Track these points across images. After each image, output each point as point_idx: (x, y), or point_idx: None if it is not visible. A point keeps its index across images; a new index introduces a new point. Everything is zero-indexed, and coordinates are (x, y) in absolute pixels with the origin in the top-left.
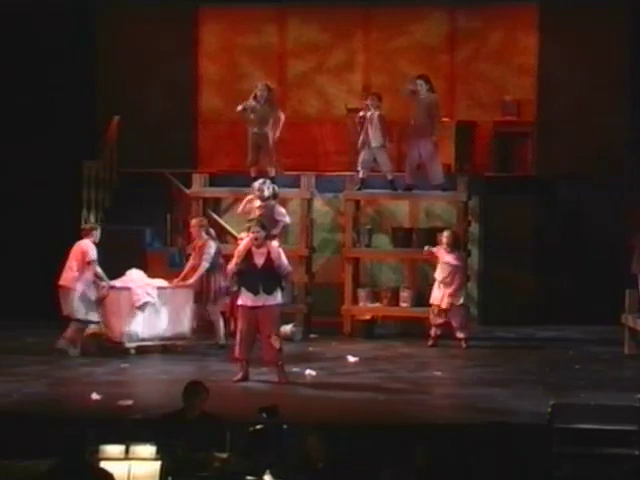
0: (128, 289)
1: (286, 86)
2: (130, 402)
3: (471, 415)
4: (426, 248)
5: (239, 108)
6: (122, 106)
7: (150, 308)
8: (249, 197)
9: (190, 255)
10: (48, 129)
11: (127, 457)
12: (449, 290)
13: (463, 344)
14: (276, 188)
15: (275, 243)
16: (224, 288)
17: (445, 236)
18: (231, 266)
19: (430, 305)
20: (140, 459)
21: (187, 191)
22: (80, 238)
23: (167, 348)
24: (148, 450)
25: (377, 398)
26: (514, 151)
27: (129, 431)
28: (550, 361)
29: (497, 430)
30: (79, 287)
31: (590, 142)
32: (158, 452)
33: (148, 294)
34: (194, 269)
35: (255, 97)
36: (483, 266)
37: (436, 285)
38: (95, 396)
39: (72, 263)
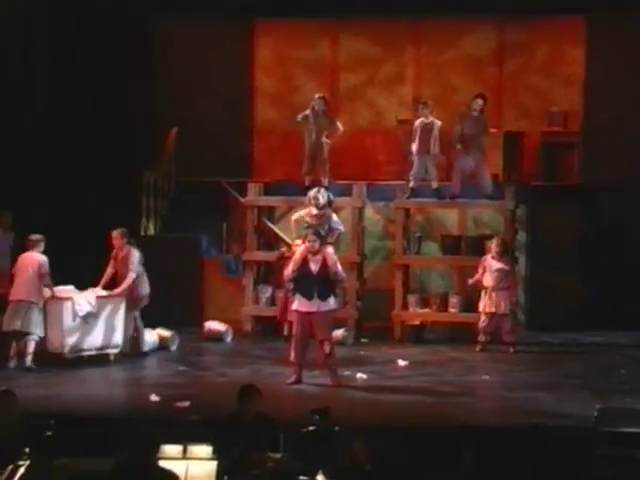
0: (70, 299)
1: (338, 98)
2: (187, 403)
3: (517, 418)
4: (470, 281)
5: (299, 118)
6: (180, 118)
7: (91, 318)
8: (305, 211)
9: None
10: (111, 141)
11: (185, 457)
12: (501, 296)
13: (511, 349)
14: (331, 196)
15: (331, 250)
16: (146, 296)
17: (495, 244)
18: (288, 272)
19: (479, 312)
20: (197, 459)
21: (242, 200)
22: (26, 250)
23: (100, 358)
24: (205, 450)
25: (426, 401)
26: (560, 161)
27: (186, 431)
28: (595, 366)
29: (542, 432)
30: (39, 300)
31: (635, 152)
32: (214, 452)
33: (90, 304)
34: (112, 278)
35: (313, 109)
36: (530, 273)
37: (486, 292)
38: (154, 397)
39: (27, 276)
